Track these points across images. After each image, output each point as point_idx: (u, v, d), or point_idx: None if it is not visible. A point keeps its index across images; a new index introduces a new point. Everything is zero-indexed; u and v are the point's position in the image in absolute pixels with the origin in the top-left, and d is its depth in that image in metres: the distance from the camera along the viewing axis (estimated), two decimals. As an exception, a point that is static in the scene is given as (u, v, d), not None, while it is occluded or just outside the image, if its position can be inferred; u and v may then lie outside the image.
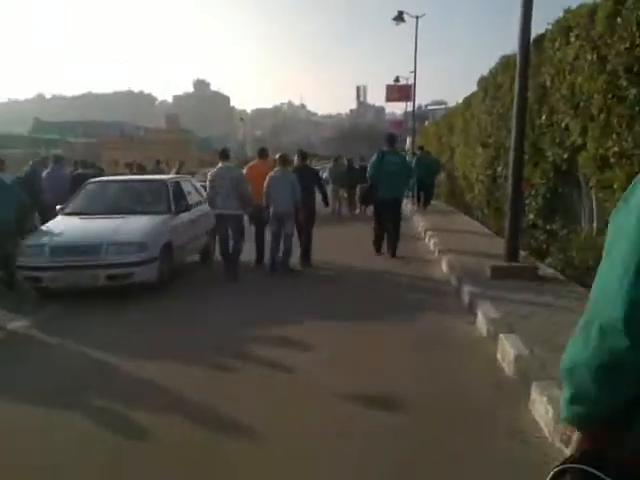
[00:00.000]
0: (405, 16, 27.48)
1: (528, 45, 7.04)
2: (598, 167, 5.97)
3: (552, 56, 7.13)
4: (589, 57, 5.97)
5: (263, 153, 9.41)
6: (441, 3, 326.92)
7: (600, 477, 0.94)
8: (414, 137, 28.91)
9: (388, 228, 9.29)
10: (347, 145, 71.22)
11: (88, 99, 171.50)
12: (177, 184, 8.83)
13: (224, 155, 8.21)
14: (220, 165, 8.16)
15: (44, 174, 10.75)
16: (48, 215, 8.81)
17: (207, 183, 8.20)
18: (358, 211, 16.89)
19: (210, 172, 8.33)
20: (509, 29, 7.75)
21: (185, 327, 5.79)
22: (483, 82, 11.15)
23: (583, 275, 6.51)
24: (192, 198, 8.94)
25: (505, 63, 9.33)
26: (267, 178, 8.16)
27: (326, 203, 9.57)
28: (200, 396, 3.91)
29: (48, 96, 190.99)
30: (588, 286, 6.45)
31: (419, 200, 17.07)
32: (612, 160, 5.69)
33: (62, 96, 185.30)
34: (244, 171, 8.82)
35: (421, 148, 18.92)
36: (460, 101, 16.10)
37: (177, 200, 8.29)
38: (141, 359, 4.76)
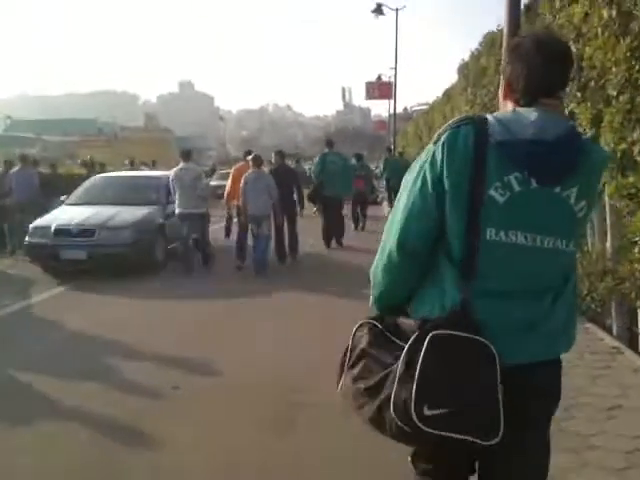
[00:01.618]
0: (385, 10, 25.92)
1: (518, 13, 5.40)
2: (618, 167, 4.27)
3: (550, 22, 5.43)
4: (605, 14, 4.27)
5: (248, 155, 9.18)
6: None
7: (376, 326, 1.53)
8: (395, 137, 27.29)
9: (334, 222, 10.12)
10: (334, 146, 69.28)
11: (71, 98, 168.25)
12: None
13: (185, 155, 8.34)
14: (181, 166, 8.24)
15: (11, 173, 10.49)
16: (13, 215, 9.82)
17: (170, 183, 8.29)
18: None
19: (171, 173, 8.37)
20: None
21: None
22: (464, 68, 9.47)
23: (598, 312, 4.87)
24: None
25: (490, 41, 7.63)
26: (242, 180, 8.11)
27: (301, 205, 9.62)
28: None
29: (31, 95, 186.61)
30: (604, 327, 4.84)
31: (391, 201, 16.29)
32: (638, 158, 4.00)
33: (45, 95, 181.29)
34: (230, 172, 9.40)
35: (389, 150, 18.37)
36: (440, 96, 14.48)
37: None
38: None
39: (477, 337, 1.32)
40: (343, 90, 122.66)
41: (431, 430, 1.30)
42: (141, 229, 7.98)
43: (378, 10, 25.43)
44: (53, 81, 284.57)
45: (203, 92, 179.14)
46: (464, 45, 14.36)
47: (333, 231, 10.12)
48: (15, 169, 10.57)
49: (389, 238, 1.50)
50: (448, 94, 12.23)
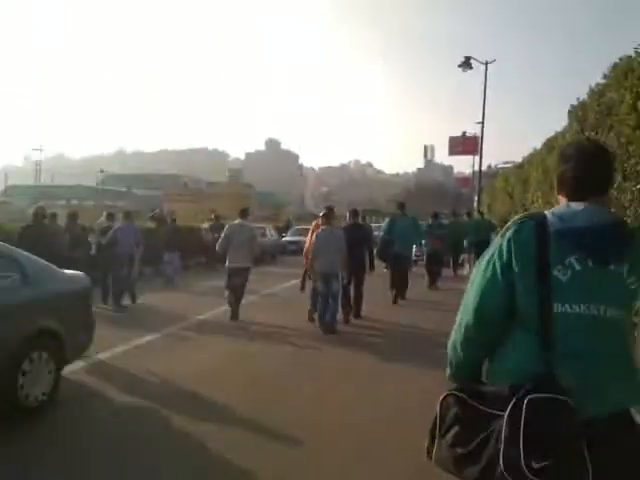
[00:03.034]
0: (474, 63, 24.53)
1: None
2: None
3: None
4: None
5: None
6: (515, 48, 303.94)
7: (462, 397, 1.66)
8: (480, 195, 25.29)
9: (399, 276, 10.76)
10: (413, 203, 67.54)
11: (164, 155, 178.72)
12: None
13: (243, 213, 9.10)
14: (238, 221, 8.95)
15: (115, 228, 11.04)
16: (118, 267, 10.20)
17: (222, 236, 8.79)
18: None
19: (227, 226, 9.14)
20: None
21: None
22: (578, 109, 7.68)
23: None
24: None
25: (623, 68, 5.85)
26: (314, 236, 8.00)
27: (372, 266, 9.24)
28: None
29: (128, 152, 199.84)
30: None
31: (454, 265, 15.59)
32: None
33: (141, 152, 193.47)
34: (311, 226, 9.15)
35: (454, 214, 17.33)
36: (538, 148, 12.61)
37: None
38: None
39: (565, 399, 1.50)
40: (425, 148, 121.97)
41: None
42: None
43: (466, 64, 24.12)
44: (149, 139, 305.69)
45: (288, 150, 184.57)
46: (558, 111, 12.33)
47: (399, 285, 10.70)
48: (119, 224, 11.24)
49: (466, 315, 1.76)
50: (550, 144, 10.41)
